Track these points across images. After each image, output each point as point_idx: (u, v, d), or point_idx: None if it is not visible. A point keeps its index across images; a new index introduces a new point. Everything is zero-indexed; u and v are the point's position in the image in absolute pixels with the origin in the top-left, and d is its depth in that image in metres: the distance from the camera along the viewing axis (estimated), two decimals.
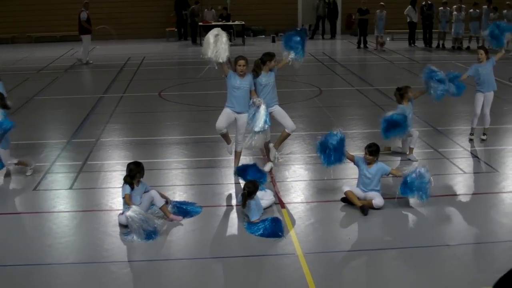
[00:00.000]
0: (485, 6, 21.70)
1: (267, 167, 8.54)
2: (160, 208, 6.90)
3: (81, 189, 8.06)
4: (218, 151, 9.50)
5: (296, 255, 6.02)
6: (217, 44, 7.95)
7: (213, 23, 23.51)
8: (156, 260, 6.03)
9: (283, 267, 5.84)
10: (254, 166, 8.24)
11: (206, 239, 6.56)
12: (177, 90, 15.30)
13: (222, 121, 8.19)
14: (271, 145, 8.56)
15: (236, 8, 26.45)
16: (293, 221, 6.85)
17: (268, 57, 8.30)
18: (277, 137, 8.74)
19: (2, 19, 25.82)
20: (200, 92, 14.85)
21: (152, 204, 6.94)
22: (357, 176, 7.53)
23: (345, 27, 27.55)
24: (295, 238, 6.39)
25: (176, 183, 8.18)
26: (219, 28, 8.18)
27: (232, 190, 7.86)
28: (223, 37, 8.01)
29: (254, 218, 6.69)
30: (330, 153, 7.31)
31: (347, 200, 7.24)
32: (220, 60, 8.00)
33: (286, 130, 8.50)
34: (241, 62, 8.03)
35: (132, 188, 6.82)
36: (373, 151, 7.25)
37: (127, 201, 6.66)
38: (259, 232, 6.48)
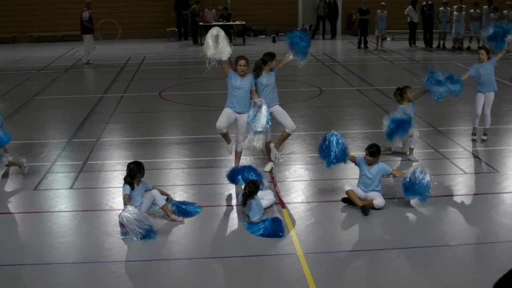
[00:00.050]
0: (485, 6, 21.70)
1: (267, 167, 8.55)
2: (161, 208, 6.90)
3: (81, 189, 8.06)
4: (218, 151, 9.50)
5: (297, 255, 6.01)
6: (218, 44, 7.95)
7: (214, 23, 23.50)
8: (157, 260, 6.03)
9: (283, 267, 5.83)
10: (245, 169, 7.93)
11: (206, 239, 6.56)
12: (177, 90, 15.30)
13: (222, 121, 8.19)
14: (271, 145, 8.56)
15: (236, 8, 26.45)
16: (293, 221, 6.85)
17: (269, 57, 8.31)
18: (277, 137, 8.74)
19: (2, 18, 25.83)
20: (200, 92, 14.85)
21: (153, 203, 6.94)
22: (357, 176, 7.53)
23: (345, 27, 27.55)
24: (296, 238, 6.39)
25: (176, 183, 8.18)
26: (218, 28, 8.16)
27: (232, 190, 7.86)
28: (223, 35, 8.00)
29: (255, 218, 6.68)
30: (331, 153, 7.30)
31: (347, 201, 7.24)
32: (224, 58, 8.00)
33: (287, 130, 8.50)
34: (242, 62, 8.03)
35: (133, 188, 6.82)
36: (373, 152, 7.24)
37: (125, 201, 6.67)
38: (260, 232, 6.48)
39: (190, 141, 10.26)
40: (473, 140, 9.90)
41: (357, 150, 8.79)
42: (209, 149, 9.68)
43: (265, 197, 7.14)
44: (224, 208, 7.33)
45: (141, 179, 6.94)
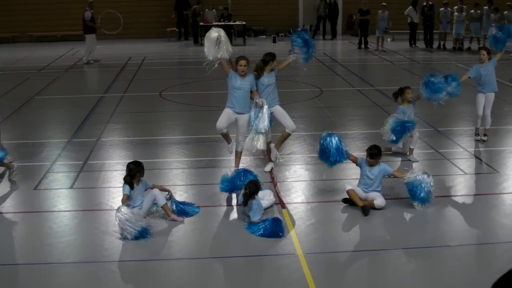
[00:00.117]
0: (486, 7, 21.69)
1: (267, 167, 8.55)
2: (162, 207, 6.91)
3: (81, 189, 8.06)
4: (218, 151, 9.50)
5: (296, 255, 6.01)
6: (219, 46, 7.94)
7: (214, 23, 23.52)
8: (157, 260, 6.03)
9: (283, 267, 5.83)
10: (239, 175, 7.42)
11: (206, 239, 6.56)
12: (177, 90, 15.30)
13: (222, 121, 8.19)
14: (272, 145, 8.56)
15: (237, 8, 26.46)
16: (293, 221, 6.84)
17: (270, 57, 8.32)
18: (277, 137, 8.75)
19: (3, 18, 25.83)
20: (200, 92, 14.86)
21: (154, 203, 6.95)
22: (357, 177, 7.53)
23: (346, 27, 27.55)
24: (296, 238, 6.39)
25: (176, 182, 8.17)
26: (217, 28, 8.14)
27: None
28: (223, 36, 7.99)
29: (255, 218, 6.68)
30: (330, 154, 7.30)
31: (348, 201, 7.23)
32: (226, 56, 8.00)
33: (287, 130, 8.50)
34: (242, 62, 8.02)
35: (132, 188, 6.82)
36: (373, 153, 7.23)
37: (123, 201, 6.68)
38: (260, 232, 6.48)
39: (190, 141, 10.26)
40: (477, 141, 9.89)
41: (358, 151, 8.80)
42: (209, 149, 9.68)
43: (265, 197, 7.14)
44: (224, 208, 7.33)
45: (141, 178, 6.95)
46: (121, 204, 6.68)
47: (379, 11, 21.92)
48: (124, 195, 6.75)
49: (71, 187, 8.07)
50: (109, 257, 6.11)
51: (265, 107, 8.06)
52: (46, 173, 8.61)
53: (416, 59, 20.70)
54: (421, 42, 23.31)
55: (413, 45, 23.34)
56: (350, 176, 8.03)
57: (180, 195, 7.55)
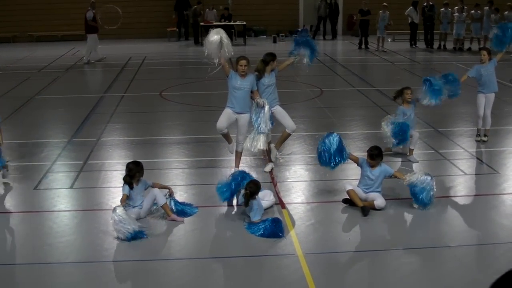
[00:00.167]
0: (486, 7, 21.69)
1: (267, 168, 8.55)
2: (162, 207, 6.91)
3: (81, 188, 8.06)
4: (218, 151, 9.50)
5: (296, 256, 6.01)
6: (222, 47, 7.94)
7: (215, 23, 23.52)
8: (156, 260, 6.03)
9: (283, 267, 5.83)
10: (234, 180, 7.19)
11: (206, 239, 6.56)
12: (178, 90, 15.30)
13: (222, 121, 8.18)
14: (272, 145, 8.56)
15: (237, 8, 26.47)
16: (293, 222, 6.84)
17: (271, 57, 8.34)
18: (277, 137, 8.75)
19: (3, 18, 25.84)
20: (201, 92, 14.86)
21: (154, 202, 6.95)
22: (357, 177, 7.53)
23: (346, 27, 27.55)
24: (295, 239, 6.39)
25: (176, 183, 8.17)
26: (218, 29, 8.14)
27: None
28: (225, 37, 7.99)
29: (256, 218, 6.68)
30: (331, 157, 7.31)
31: (348, 201, 7.23)
32: (229, 55, 8.01)
33: (287, 130, 8.51)
34: (243, 62, 8.02)
35: (132, 188, 6.82)
36: (374, 155, 7.22)
37: (122, 201, 6.68)
38: (259, 232, 6.47)
39: (191, 141, 10.26)
40: (477, 141, 9.89)
41: (358, 151, 8.79)
42: (210, 149, 9.68)
43: (265, 197, 7.14)
44: (224, 208, 7.32)
45: (141, 178, 6.95)
46: (120, 204, 6.68)
47: (380, 11, 21.91)
48: (123, 195, 6.76)
49: (71, 187, 8.07)
50: (109, 257, 6.11)
51: (267, 107, 8.06)
52: (46, 173, 8.61)
53: (417, 59, 20.69)
54: (422, 43, 23.31)
55: (414, 46, 23.34)
56: (350, 176, 8.03)
57: (180, 195, 7.55)
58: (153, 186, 7.13)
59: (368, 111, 12.46)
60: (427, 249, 6.20)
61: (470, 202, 7.64)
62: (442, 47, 22.61)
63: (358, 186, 7.33)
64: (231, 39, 8.47)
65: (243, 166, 8.59)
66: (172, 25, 26.37)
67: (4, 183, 8.11)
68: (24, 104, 13.35)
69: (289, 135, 8.63)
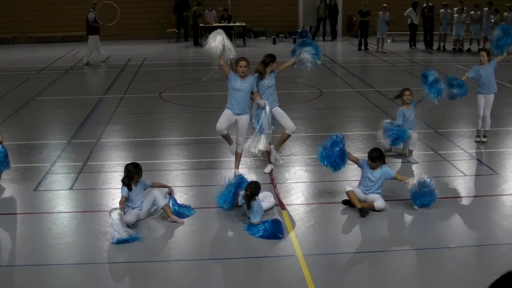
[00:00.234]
0: (486, 8, 21.70)
1: (267, 169, 8.55)
2: (162, 208, 6.91)
3: (81, 190, 8.06)
4: (218, 152, 9.50)
5: (296, 257, 6.01)
6: (224, 48, 7.94)
7: (214, 24, 23.53)
8: (156, 261, 6.02)
9: (283, 268, 5.83)
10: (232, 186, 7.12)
11: (206, 240, 6.56)
12: (177, 91, 15.31)
13: (222, 122, 8.18)
14: (271, 146, 8.56)
15: (237, 9, 26.47)
16: (293, 223, 6.84)
17: (271, 58, 8.35)
18: (277, 138, 8.75)
19: (3, 19, 25.84)
20: (200, 93, 14.86)
21: (154, 203, 6.95)
22: (357, 178, 7.52)
23: (346, 28, 27.55)
24: (295, 240, 6.38)
25: (176, 184, 8.16)
26: (218, 30, 8.14)
27: None
28: (226, 39, 8.00)
29: (256, 219, 6.68)
30: (334, 159, 7.34)
31: (348, 203, 7.22)
32: (231, 56, 8.01)
33: (287, 131, 8.51)
34: (242, 63, 8.02)
35: (130, 190, 6.82)
36: (374, 157, 7.21)
37: (121, 203, 6.69)
38: (259, 234, 6.47)
39: (190, 142, 10.26)
40: (477, 142, 9.89)
41: (358, 152, 8.80)
42: (209, 151, 9.68)
43: (265, 199, 7.14)
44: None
45: (139, 179, 6.94)
46: (119, 205, 6.68)
47: (380, 12, 21.92)
48: (122, 197, 6.76)
49: (70, 188, 8.07)
50: (109, 258, 6.11)
51: (267, 108, 8.07)
52: (45, 174, 8.61)
53: (416, 60, 20.70)
54: (421, 44, 23.32)
55: (413, 47, 23.34)
56: (350, 177, 8.03)
57: (180, 197, 7.54)
58: (153, 185, 7.13)
59: (368, 112, 12.46)
60: (427, 250, 6.20)
61: (470, 203, 7.64)
62: (441, 48, 22.62)
63: (358, 187, 7.33)
64: (231, 40, 8.47)
65: (242, 167, 8.60)
66: (171, 26, 26.38)
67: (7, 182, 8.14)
68: (23, 105, 13.35)
69: (289, 136, 8.63)
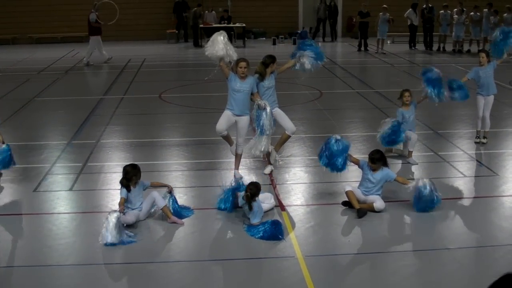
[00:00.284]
0: (485, 10, 21.71)
1: (267, 170, 8.55)
2: (162, 209, 6.91)
3: (81, 191, 8.06)
4: (218, 153, 9.50)
5: (296, 258, 6.01)
6: (227, 49, 7.94)
7: (214, 25, 23.54)
8: (156, 262, 6.02)
9: (283, 269, 5.83)
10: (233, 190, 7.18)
11: (205, 241, 6.55)
12: (177, 92, 15.31)
13: (222, 123, 8.18)
14: (271, 147, 8.56)
15: (237, 10, 26.47)
16: (293, 224, 6.84)
17: (271, 59, 8.36)
18: (277, 139, 8.75)
19: (3, 20, 25.84)
20: (200, 94, 14.86)
21: (154, 204, 6.95)
22: (357, 179, 7.53)
23: (346, 29, 27.55)
24: (295, 241, 6.39)
25: (176, 185, 8.15)
26: (220, 32, 8.15)
27: None
28: (228, 44, 8.00)
29: (256, 220, 6.68)
30: (335, 159, 7.35)
31: (348, 204, 7.22)
32: (234, 58, 8.02)
33: (287, 132, 8.51)
34: (242, 64, 8.02)
35: (129, 191, 6.82)
36: (375, 159, 7.20)
37: (120, 205, 6.69)
38: (259, 235, 6.47)
39: (190, 143, 10.26)
40: (477, 143, 9.89)
41: (358, 153, 8.79)
42: (209, 151, 9.69)
43: (265, 200, 7.14)
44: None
45: (138, 180, 6.94)
46: (118, 207, 6.68)
47: (380, 13, 21.93)
48: (121, 198, 6.76)
49: (70, 189, 8.07)
50: (108, 259, 6.11)
51: (268, 108, 8.07)
52: (45, 175, 8.61)
53: (416, 61, 20.70)
54: (421, 45, 23.34)
55: (413, 48, 23.35)
56: (350, 178, 8.02)
57: (179, 197, 7.54)
58: (152, 185, 7.13)
59: (368, 113, 12.46)
60: (427, 251, 6.20)
61: (470, 204, 7.64)
62: (441, 49, 22.63)
63: (358, 188, 7.33)
64: (231, 41, 8.47)
65: (242, 168, 8.60)
66: (171, 27, 26.38)
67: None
68: (23, 106, 13.35)
69: (289, 137, 8.64)
